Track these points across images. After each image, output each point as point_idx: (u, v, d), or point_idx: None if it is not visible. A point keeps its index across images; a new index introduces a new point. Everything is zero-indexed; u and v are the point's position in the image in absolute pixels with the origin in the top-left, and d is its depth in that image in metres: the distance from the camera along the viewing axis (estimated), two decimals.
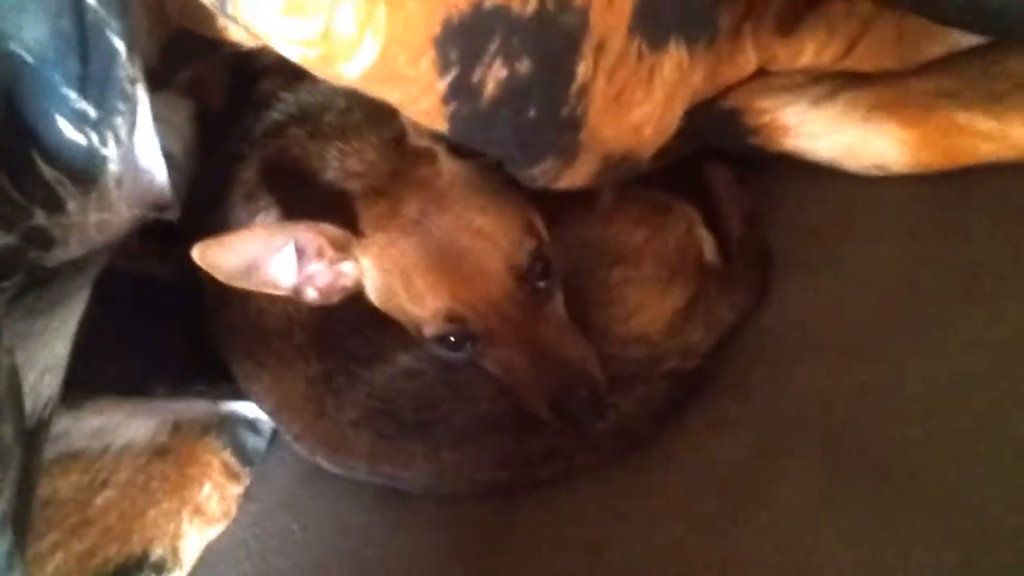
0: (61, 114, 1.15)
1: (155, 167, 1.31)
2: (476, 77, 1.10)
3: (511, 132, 1.21)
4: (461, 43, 1.06)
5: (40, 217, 1.19)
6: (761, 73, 1.57)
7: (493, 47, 1.08)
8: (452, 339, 1.35)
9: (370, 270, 1.37)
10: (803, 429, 1.34)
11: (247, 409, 1.70)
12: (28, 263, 1.21)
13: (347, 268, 1.38)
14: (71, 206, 1.22)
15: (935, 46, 1.50)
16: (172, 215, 1.41)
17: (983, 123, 1.41)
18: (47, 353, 1.30)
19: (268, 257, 1.31)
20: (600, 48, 1.22)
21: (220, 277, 1.28)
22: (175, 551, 1.57)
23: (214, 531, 1.63)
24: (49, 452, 1.38)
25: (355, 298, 1.42)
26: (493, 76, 1.11)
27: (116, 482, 1.54)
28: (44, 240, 1.22)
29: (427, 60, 1.05)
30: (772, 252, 1.57)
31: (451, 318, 1.32)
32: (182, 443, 1.64)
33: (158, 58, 1.34)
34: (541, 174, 1.32)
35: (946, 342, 1.32)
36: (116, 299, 1.48)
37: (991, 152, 1.41)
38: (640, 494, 1.41)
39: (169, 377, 1.70)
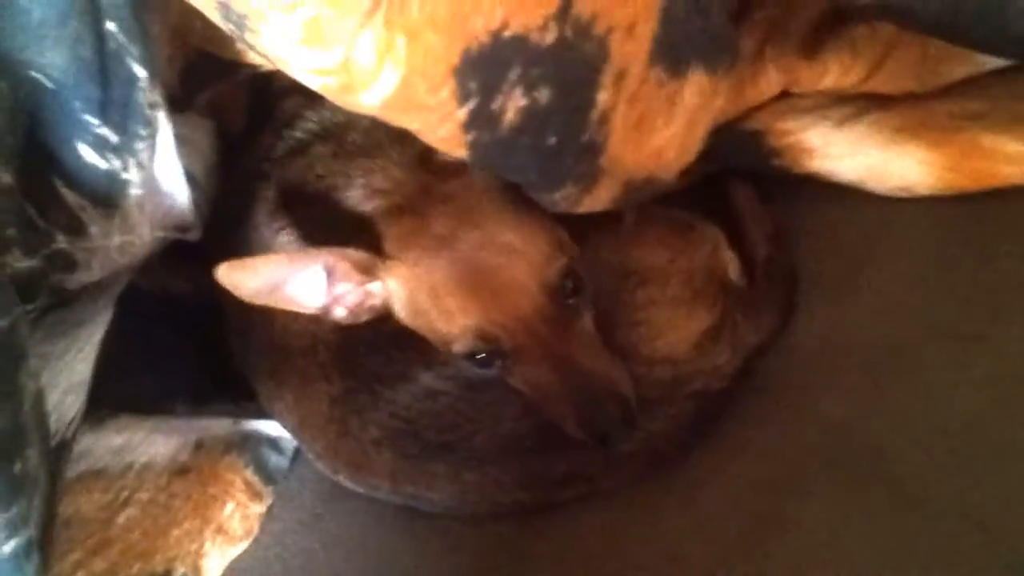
0: (82, 140, 1.15)
1: (177, 190, 1.31)
2: (496, 105, 1.10)
3: (531, 159, 1.21)
4: (481, 73, 1.06)
5: (62, 241, 1.19)
6: (784, 95, 1.55)
7: (513, 76, 1.08)
8: (481, 356, 1.34)
9: (397, 290, 1.36)
10: (828, 453, 1.33)
11: (269, 428, 1.70)
12: (51, 286, 1.21)
13: (375, 288, 1.38)
14: (93, 230, 1.22)
15: (959, 68, 1.48)
16: (194, 236, 1.41)
17: (1008, 145, 1.39)
18: (69, 373, 1.30)
19: (292, 278, 1.31)
20: (620, 76, 1.21)
21: (243, 296, 1.29)
22: (197, 570, 1.57)
23: (236, 550, 1.62)
24: (71, 471, 1.39)
25: (379, 317, 1.41)
26: (513, 104, 1.11)
27: (138, 500, 1.54)
28: (67, 263, 1.22)
29: (447, 90, 1.05)
30: (798, 273, 1.55)
31: (482, 337, 1.31)
32: (204, 461, 1.64)
33: (178, 81, 1.34)
34: (561, 199, 1.32)
35: (974, 365, 1.30)
36: (138, 316, 1.47)
37: (1016, 174, 1.39)
38: (662, 518, 1.39)
39: (191, 395, 1.70)
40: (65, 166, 1.17)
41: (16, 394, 1.07)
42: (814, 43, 1.50)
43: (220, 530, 1.62)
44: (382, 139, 1.46)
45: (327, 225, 1.43)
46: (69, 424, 1.30)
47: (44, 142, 1.15)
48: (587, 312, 1.37)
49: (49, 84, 1.11)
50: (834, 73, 1.50)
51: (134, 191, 1.23)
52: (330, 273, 1.33)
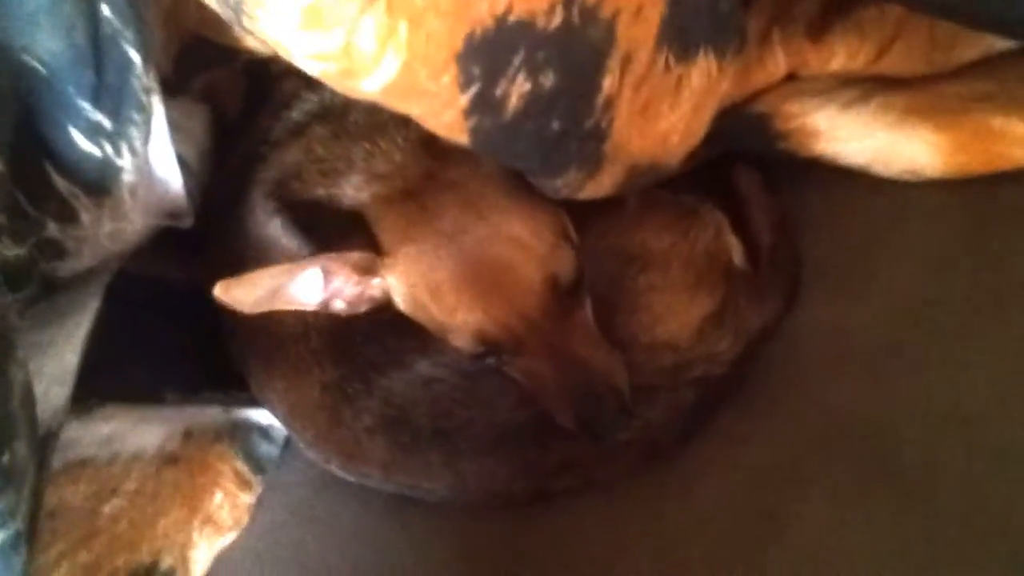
0: (75, 126, 1.15)
1: (170, 176, 1.30)
2: (499, 91, 1.07)
3: (534, 144, 1.19)
4: (484, 58, 1.03)
5: (53, 229, 1.19)
6: (791, 77, 1.54)
7: (517, 61, 1.06)
8: (480, 351, 1.33)
9: (397, 285, 1.34)
10: (830, 444, 1.32)
11: (260, 416, 1.68)
12: (40, 274, 1.21)
13: (374, 282, 1.35)
14: (84, 218, 1.21)
15: (969, 50, 1.46)
16: (187, 223, 1.40)
17: (1018, 127, 1.37)
18: (56, 363, 1.29)
19: (290, 283, 1.29)
20: (627, 61, 1.19)
21: (244, 310, 1.26)
22: (185, 561, 1.55)
23: (225, 540, 1.61)
24: (57, 461, 1.36)
25: (378, 307, 1.39)
26: (516, 90, 1.08)
27: (125, 491, 1.52)
28: (57, 252, 1.22)
29: (449, 76, 1.02)
30: (802, 260, 1.54)
31: (483, 337, 1.30)
32: (193, 451, 1.61)
33: (173, 66, 1.33)
34: (564, 186, 1.29)
35: (980, 355, 1.29)
36: (126, 303, 1.44)
37: None
38: (660, 510, 1.38)
39: (180, 383, 1.68)
40: (57, 152, 1.16)
41: (5, 385, 1.06)
42: (822, 25, 1.48)
43: (208, 520, 1.60)
44: (385, 120, 1.42)
45: (324, 209, 1.41)
46: (54, 415, 1.28)
47: (36, 128, 1.14)
48: (586, 303, 1.36)
49: (42, 70, 1.11)
50: (842, 56, 1.48)
51: (127, 177, 1.23)
52: (328, 273, 1.31)
